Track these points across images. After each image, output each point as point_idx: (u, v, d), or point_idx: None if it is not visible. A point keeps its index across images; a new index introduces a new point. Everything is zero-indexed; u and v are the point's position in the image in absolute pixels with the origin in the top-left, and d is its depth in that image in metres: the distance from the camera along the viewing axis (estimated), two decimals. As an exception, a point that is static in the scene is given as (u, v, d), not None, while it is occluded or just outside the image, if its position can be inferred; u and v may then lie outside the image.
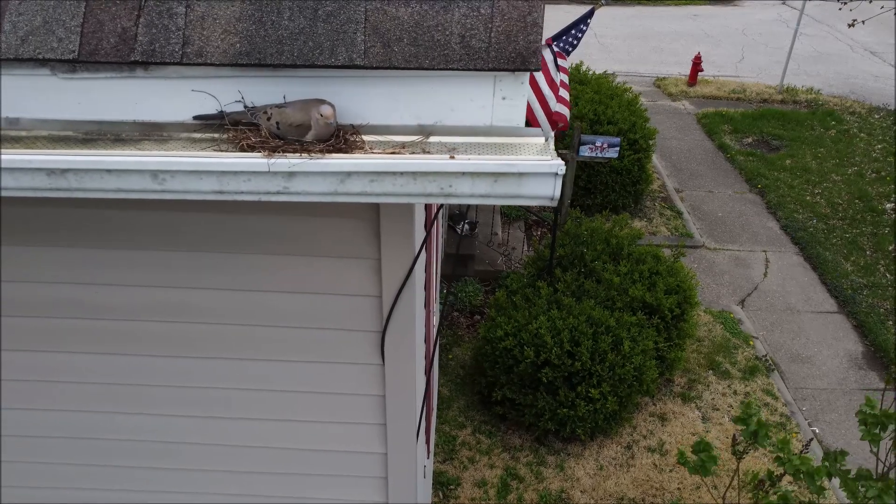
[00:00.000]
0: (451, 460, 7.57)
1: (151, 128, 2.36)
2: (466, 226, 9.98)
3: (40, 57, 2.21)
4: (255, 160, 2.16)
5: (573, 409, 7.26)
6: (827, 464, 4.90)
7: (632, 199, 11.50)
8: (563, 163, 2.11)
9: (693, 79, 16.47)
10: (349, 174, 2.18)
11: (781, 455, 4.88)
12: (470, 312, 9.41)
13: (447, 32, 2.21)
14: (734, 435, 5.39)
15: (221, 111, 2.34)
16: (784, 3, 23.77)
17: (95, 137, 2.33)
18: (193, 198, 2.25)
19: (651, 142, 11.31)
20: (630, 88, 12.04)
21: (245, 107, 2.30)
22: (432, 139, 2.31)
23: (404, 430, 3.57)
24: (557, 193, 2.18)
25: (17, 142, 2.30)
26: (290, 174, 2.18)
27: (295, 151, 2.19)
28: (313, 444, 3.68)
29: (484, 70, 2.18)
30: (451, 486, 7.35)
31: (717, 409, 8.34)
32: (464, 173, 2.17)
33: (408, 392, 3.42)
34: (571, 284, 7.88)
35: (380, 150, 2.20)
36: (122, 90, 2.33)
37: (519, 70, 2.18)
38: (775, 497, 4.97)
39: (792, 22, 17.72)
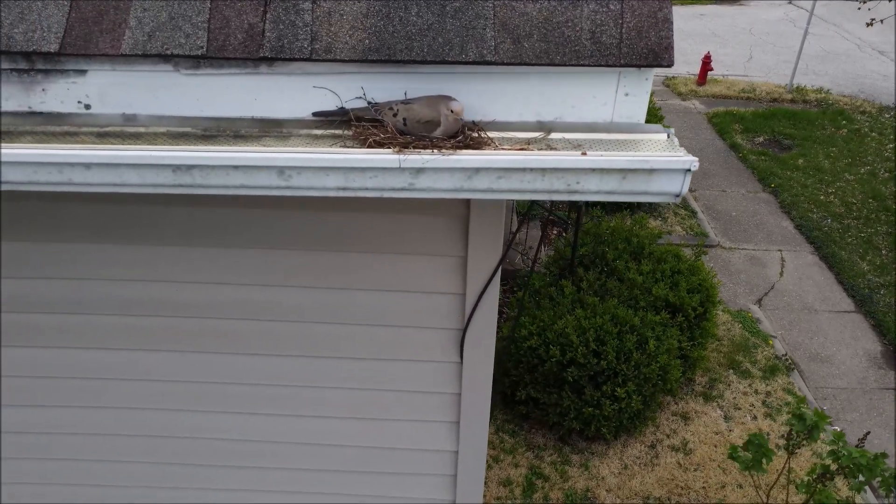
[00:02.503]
0: (476, 459, 7.55)
1: (270, 124, 2.35)
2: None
3: (168, 53, 2.20)
4: (385, 157, 2.15)
5: (598, 408, 7.26)
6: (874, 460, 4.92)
7: (645, 199, 11.48)
8: (695, 159, 2.11)
9: (702, 78, 16.50)
10: (477, 170, 2.17)
11: (836, 448, 4.88)
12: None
13: (577, 28, 2.20)
14: (789, 430, 5.40)
15: (342, 107, 2.33)
16: (790, 3, 23.83)
17: (215, 134, 2.32)
18: (316, 194, 2.25)
19: (666, 141, 11.30)
20: (644, 88, 12.03)
21: (368, 103, 2.29)
22: (553, 136, 2.31)
23: (476, 427, 3.56)
24: (685, 189, 2.18)
25: (137, 138, 2.29)
26: (419, 170, 2.17)
27: (425, 148, 2.18)
28: (386, 442, 3.67)
29: (615, 66, 2.17)
30: (478, 486, 7.33)
31: (739, 409, 8.34)
32: (593, 170, 2.16)
33: (483, 390, 3.43)
34: (594, 283, 7.88)
35: (507, 147, 2.20)
36: (243, 86, 2.32)
37: (650, 66, 2.17)
38: (823, 494, 4.98)
39: (798, 21, 17.78)
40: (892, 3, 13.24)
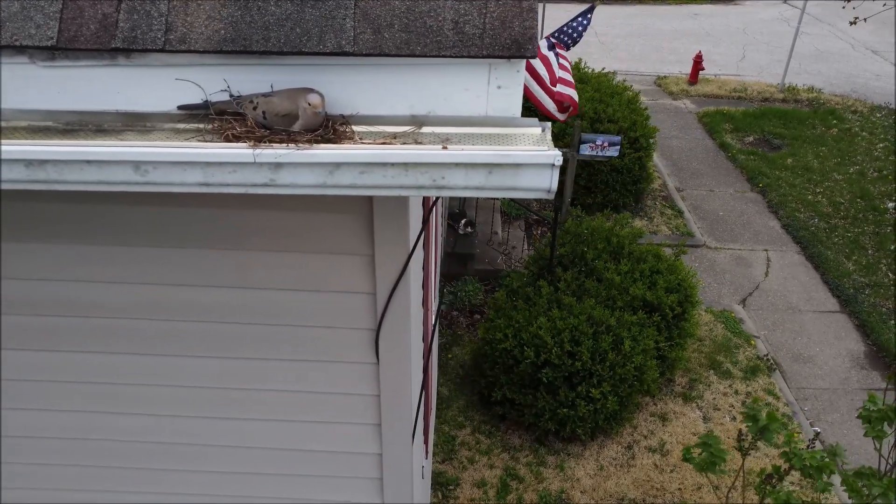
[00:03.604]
0: (450, 460, 7.50)
1: (134, 118, 2.28)
2: (466, 225, 9.90)
3: (17, 44, 2.13)
4: (240, 151, 2.08)
5: (573, 409, 7.21)
6: (828, 458, 4.84)
7: (632, 198, 11.43)
8: (559, 153, 2.03)
9: (694, 77, 16.41)
10: (338, 165, 2.10)
11: (788, 450, 4.81)
12: (470, 312, 9.35)
13: (440, 18, 2.13)
14: (740, 430, 5.32)
15: (206, 101, 2.26)
16: (785, 2, 23.70)
17: (76, 128, 2.25)
18: (178, 190, 2.17)
19: (652, 140, 11.24)
20: (630, 87, 11.97)
21: (231, 96, 2.22)
22: (425, 129, 2.23)
23: (399, 430, 3.49)
24: (554, 185, 2.10)
25: (-6, 132, 2.22)
26: (277, 165, 2.10)
27: (282, 142, 2.11)
28: (306, 445, 3.60)
29: (478, 57, 2.10)
30: (451, 487, 7.29)
31: (719, 409, 8.27)
32: (457, 164, 2.09)
33: (403, 392, 3.35)
34: (572, 283, 7.82)
35: (370, 141, 2.12)
36: (104, 79, 2.25)
37: (514, 57, 2.10)
38: (779, 495, 4.90)
39: (792, 21, 17.65)
40: (878, 2, 13.13)
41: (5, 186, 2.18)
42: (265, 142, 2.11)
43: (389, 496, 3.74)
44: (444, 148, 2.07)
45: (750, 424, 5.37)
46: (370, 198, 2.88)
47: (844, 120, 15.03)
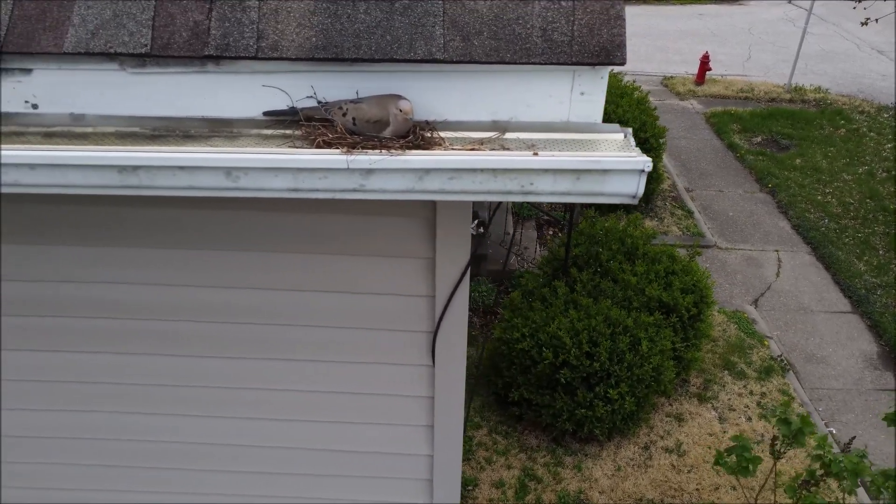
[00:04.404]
0: (467, 461, 7.52)
1: (220, 124, 2.31)
2: (479, 225, 9.92)
3: (111, 51, 2.16)
4: (332, 157, 2.11)
5: (591, 409, 7.22)
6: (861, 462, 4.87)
7: (643, 199, 11.44)
8: (649, 159, 2.07)
9: (701, 78, 16.43)
10: (428, 171, 2.13)
11: (822, 453, 4.83)
12: (483, 312, 9.36)
13: (528, 25, 2.16)
14: (774, 434, 5.35)
15: (292, 107, 2.28)
16: (790, 2, 23.74)
17: (164, 134, 2.28)
18: (266, 195, 2.20)
19: (661, 140, 11.26)
20: (639, 87, 11.99)
21: (319, 102, 2.25)
22: (508, 135, 2.27)
23: (451, 431, 3.52)
24: (641, 191, 2.13)
25: (84, 138, 2.25)
26: (368, 171, 2.12)
27: (374, 148, 2.13)
28: (360, 446, 3.63)
29: (567, 64, 2.13)
30: (469, 487, 7.30)
31: (734, 410, 8.29)
32: (546, 170, 2.12)
33: (456, 393, 3.38)
34: (588, 284, 7.84)
35: (459, 147, 2.15)
36: (191, 85, 2.28)
37: (603, 64, 2.13)
38: (816, 500, 4.93)
39: (798, 20, 17.70)
40: (889, 1, 13.17)
41: (97, 192, 2.21)
42: (358, 148, 2.14)
43: (439, 497, 3.77)
44: (536, 154, 2.10)
45: (782, 428, 5.41)
46: (434, 202, 2.90)
47: (852, 120, 15.07)
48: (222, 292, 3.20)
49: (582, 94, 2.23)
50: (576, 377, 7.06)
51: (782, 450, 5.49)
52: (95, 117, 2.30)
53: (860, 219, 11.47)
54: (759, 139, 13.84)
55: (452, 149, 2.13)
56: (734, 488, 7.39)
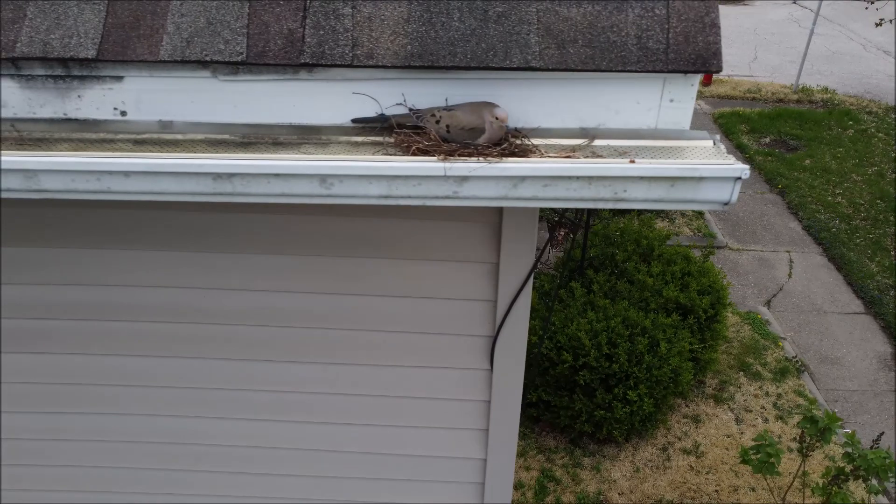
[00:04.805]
0: (486, 463, 7.52)
1: (308, 131, 2.32)
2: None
3: (207, 59, 2.16)
4: (429, 165, 2.12)
5: (610, 410, 7.24)
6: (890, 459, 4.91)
7: (653, 200, 11.46)
8: (746, 167, 2.08)
9: (708, 78, 16.46)
10: (523, 179, 2.14)
11: (851, 451, 4.86)
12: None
13: (622, 33, 2.17)
14: (802, 432, 5.38)
15: (381, 114, 2.29)
16: (795, 3, 23.79)
17: (253, 141, 2.28)
18: (357, 202, 2.21)
19: (674, 142, 11.27)
20: (650, 89, 12.00)
21: (410, 110, 2.25)
22: (597, 142, 2.27)
23: (505, 435, 3.53)
24: (735, 198, 2.14)
25: (175, 146, 2.25)
26: (463, 179, 2.13)
27: (470, 155, 2.14)
28: (412, 450, 3.64)
29: (662, 72, 2.14)
30: (490, 489, 7.30)
31: (751, 411, 8.31)
32: (641, 178, 2.13)
33: (513, 397, 3.39)
34: (605, 285, 7.86)
35: (554, 154, 2.16)
36: (281, 93, 2.28)
37: (699, 72, 2.14)
38: (845, 496, 4.96)
39: (803, 21, 17.74)
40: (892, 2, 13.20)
41: (188, 199, 2.21)
42: (455, 155, 2.14)
43: (490, 500, 3.77)
44: (633, 162, 2.11)
45: (808, 427, 5.44)
46: (501, 208, 2.91)
47: (860, 121, 15.10)
48: (284, 297, 3.21)
49: (671, 100, 2.24)
50: (594, 378, 7.08)
51: (809, 448, 5.51)
52: (184, 124, 2.30)
53: (871, 219, 11.51)
54: (767, 140, 13.88)
55: (548, 156, 2.14)
56: (753, 489, 7.42)
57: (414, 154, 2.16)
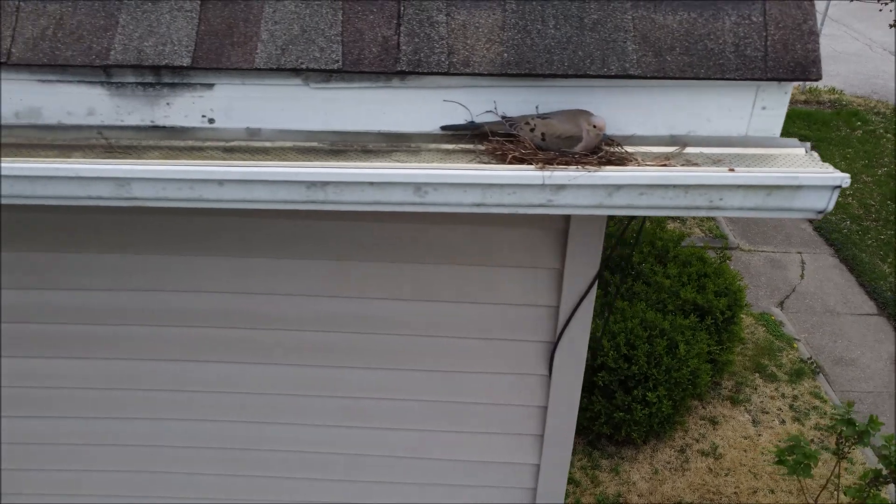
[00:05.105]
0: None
1: (397, 138, 2.31)
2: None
3: (303, 67, 2.15)
4: (528, 173, 2.11)
5: (629, 412, 7.25)
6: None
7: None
8: (846, 175, 2.07)
9: (713, 81, 16.45)
10: (619, 187, 2.13)
11: (889, 453, 4.87)
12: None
13: (720, 41, 2.16)
14: (839, 433, 5.38)
15: (472, 121, 2.28)
16: (799, 4, 23.74)
17: (343, 149, 2.27)
18: (449, 210, 2.20)
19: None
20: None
21: (502, 117, 2.24)
22: (689, 150, 2.27)
23: (561, 441, 3.52)
24: (832, 206, 2.14)
25: (265, 153, 2.24)
26: (560, 187, 2.13)
27: (568, 164, 2.13)
28: (465, 455, 3.63)
29: (761, 80, 2.14)
30: (510, 492, 7.29)
31: (767, 413, 8.32)
32: (738, 186, 2.12)
33: (571, 404, 3.38)
34: (621, 287, 7.85)
35: (651, 163, 2.15)
36: (372, 100, 2.27)
37: (798, 80, 2.13)
38: (883, 499, 4.97)
39: (807, 23, 17.65)
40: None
41: (280, 207, 2.20)
42: (553, 164, 2.13)
43: (541, 505, 3.77)
44: (731, 170, 2.11)
45: (845, 429, 5.44)
46: (569, 214, 2.90)
47: (868, 121, 15.12)
48: (347, 303, 3.19)
49: (763, 108, 2.24)
50: (613, 380, 7.08)
51: (846, 451, 5.52)
52: (271, 132, 2.29)
53: (882, 220, 11.53)
54: (775, 141, 13.86)
55: (645, 165, 2.13)
56: (772, 491, 7.44)
57: (511, 162, 2.15)
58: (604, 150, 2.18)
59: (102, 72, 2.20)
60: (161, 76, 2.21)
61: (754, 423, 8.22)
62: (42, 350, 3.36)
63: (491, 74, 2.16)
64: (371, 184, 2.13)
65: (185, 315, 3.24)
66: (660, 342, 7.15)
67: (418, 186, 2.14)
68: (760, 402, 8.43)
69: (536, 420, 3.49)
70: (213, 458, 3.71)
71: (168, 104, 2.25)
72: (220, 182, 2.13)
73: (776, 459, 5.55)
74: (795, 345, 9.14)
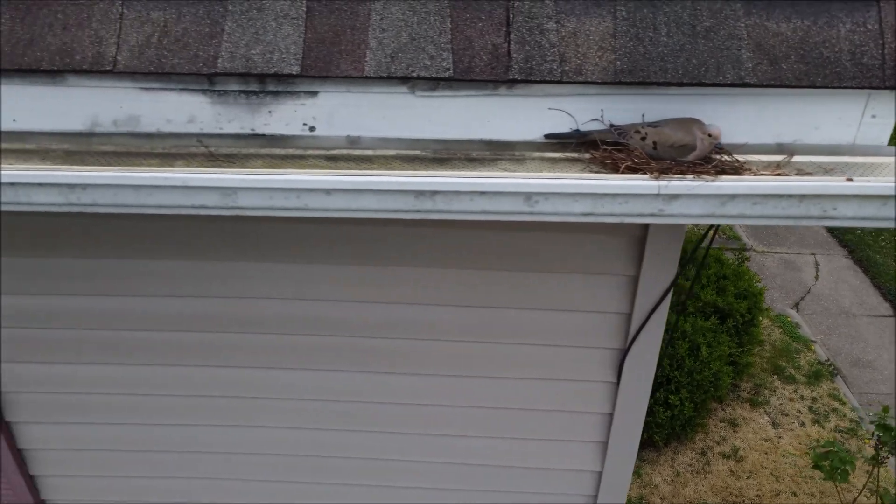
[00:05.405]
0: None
1: (500, 147, 2.27)
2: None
3: (413, 75, 2.11)
4: (642, 183, 2.08)
5: (651, 415, 7.23)
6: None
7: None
8: (965, 185, 2.05)
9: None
10: (733, 197, 2.10)
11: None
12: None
13: (836, 49, 2.14)
14: (877, 439, 5.38)
15: (577, 129, 2.25)
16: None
17: (447, 157, 2.24)
18: (558, 219, 2.17)
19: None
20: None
21: (611, 125, 2.21)
22: (797, 159, 2.24)
23: (625, 448, 3.50)
24: (952, 217, 2.11)
25: (369, 162, 2.21)
26: (673, 197, 2.10)
27: (683, 173, 2.10)
28: (526, 462, 3.61)
29: (879, 88, 2.11)
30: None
31: (787, 415, 8.32)
32: (854, 196, 2.09)
33: (638, 411, 3.36)
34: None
35: (766, 172, 2.12)
36: (476, 108, 2.24)
37: (917, 89, 2.11)
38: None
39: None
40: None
41: (387, 216, 2.17)
42: (669, 173, 2.10)
43: (601, 514, 3.75)
44: (849, 180, 2.08)
45: (882, 433, 5.44)
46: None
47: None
48: (417, 310, 3.17)
49: (873, 116, 2.21)
50: (637, 383, 7.02)
51: (883, 456, 5.51)
52: (372, 139, 2.26)
53: None
54: (785, 143, 13.88)
55: (761, 174, 2.10)
56: (794, 494, 7.43)
57: (624, 172, 2.12)
58: (717, 160, 2.15)
59: (206, 80, 2.16)
60: (266, 84, 2.17)
61: (774, 425, 8.22)
62: (126, 357, 3.33)
63: (604, 83, 2.12)
64: (482, 193, 2.10)
65: (257, 322, 3.21)
66: (682, 344, 7.14)
67: (529, 196, 2.10)
68: (779, 405, 8.42)
69: (601, 427, 3.47)
70: (270, 463, 3.68)
71: (270, 112, 2.21)
72: (328, 191, 2.09)
73: (812, 464, 5.54)
74: (812, 346, 9.14)
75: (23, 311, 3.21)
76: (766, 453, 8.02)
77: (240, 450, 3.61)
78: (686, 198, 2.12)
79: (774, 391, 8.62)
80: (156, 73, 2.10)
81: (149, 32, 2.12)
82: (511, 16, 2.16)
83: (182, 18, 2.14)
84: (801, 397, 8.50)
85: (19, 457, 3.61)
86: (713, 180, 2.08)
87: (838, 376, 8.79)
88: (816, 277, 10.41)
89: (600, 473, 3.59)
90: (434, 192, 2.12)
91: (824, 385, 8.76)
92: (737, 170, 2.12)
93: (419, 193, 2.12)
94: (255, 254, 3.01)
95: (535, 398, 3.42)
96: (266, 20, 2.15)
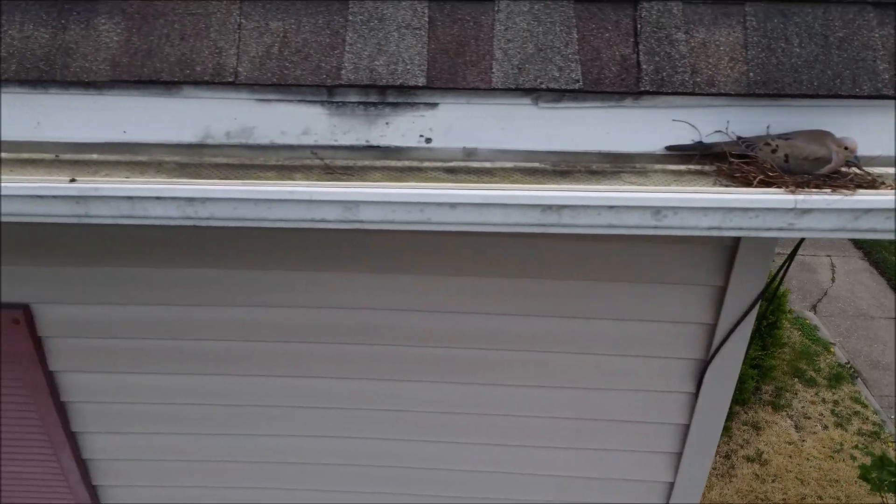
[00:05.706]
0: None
1: (620, 159, 2.22)
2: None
3: (542, 87, 2.06)
4: (776, 197, 2.03)
5: (677, 419, 7.17)
6: None
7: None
8: None
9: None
10: (868, 211, 2.05)
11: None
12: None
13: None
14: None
15: (700, 141, 2.20)
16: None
17: (567, 170, 2.18)
18: (684, 233, 2.12)
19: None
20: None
21: (739, 138, 2.16)
22: (920, 170, 2.20)
23: (699, 460, 3.45)
24: None
25: (490, 174, 2.16)
26: (805, 211, 2.05)
27: (819, 187, 2.05)
28: (599, 473, 3.56)
29: None
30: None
31: (809, 418, 8.31)
32: None
33: (716, 422, 3.31)
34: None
35: (900, 185, 2.08)
36: (599, 120, 2.19)
37: None
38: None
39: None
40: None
41: (511, 230, 2.12)
42: (807, 187, 2.05)
43: (671, 525, 3.70)
44: None
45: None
46: (739, 231, 2.83)
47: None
48: (500, 320, 3.12)
49: None
50: (664, 386, 6.99)
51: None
52: (488, 151, 2.20)
53: (911, 224, 11.53)
54: (796, 144, 13.89)
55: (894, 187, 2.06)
56: (820, 498, 7.41)
57: (758, 185, 2.07)
58: (850, 173, 2.10)
59: (325, 91, 2.10)
60: (386, 96, 2.12)
61: (797, 428, 8.20)
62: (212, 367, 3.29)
63: (736, 94, 2.07)
64: (610, 207, 2.05)
65: (338, 331, 3.16)
66: (706, 348, 7.09)
67: (657, 210, 2.05)
68: (802, 408, 8.41)
69: (676, 438, 3.43)
70: (358, 474, 3.64)
71: (387, 124, 2.15)
72: (453, 205, 2.04)
73: (859, 474, 5.52)
74: (832, 349, 9.13)
75: (88, 322, 3.15)
76: (790, 457, 8.01)
77: (305, 460, 3.55)
78: (819, 212, 2.07)
79: (796, 394, 8.60)
80: (277, 84, 2.04)
81: (268, 43, 2.06)
82: (638, 26, 2.11)
83: (302, 29, 2.08)
84: (823, 400, 8.49)
85: (83, 466, 3.55)
86: (852, 194, 2.04)
87: (859, 379, 8.78)
88: (833, 279, 10.42)
89: (672, 484, 3.53)
90: (561, 207, 2.07)
91: (845, 388, 8.75)
92: (871, 183, 2.08)
93: (546, 208, 2.07)
94: (335, 264, 2.95)
95: (613, 409, 3.37)
96: (388, 30, 2.10)
